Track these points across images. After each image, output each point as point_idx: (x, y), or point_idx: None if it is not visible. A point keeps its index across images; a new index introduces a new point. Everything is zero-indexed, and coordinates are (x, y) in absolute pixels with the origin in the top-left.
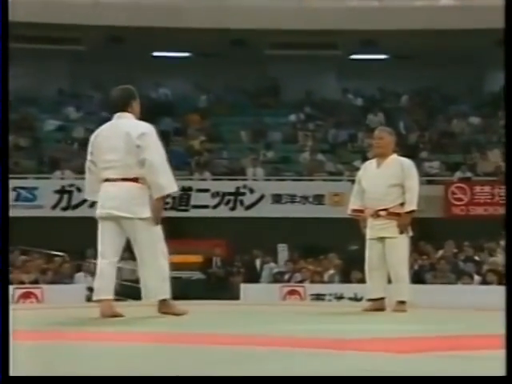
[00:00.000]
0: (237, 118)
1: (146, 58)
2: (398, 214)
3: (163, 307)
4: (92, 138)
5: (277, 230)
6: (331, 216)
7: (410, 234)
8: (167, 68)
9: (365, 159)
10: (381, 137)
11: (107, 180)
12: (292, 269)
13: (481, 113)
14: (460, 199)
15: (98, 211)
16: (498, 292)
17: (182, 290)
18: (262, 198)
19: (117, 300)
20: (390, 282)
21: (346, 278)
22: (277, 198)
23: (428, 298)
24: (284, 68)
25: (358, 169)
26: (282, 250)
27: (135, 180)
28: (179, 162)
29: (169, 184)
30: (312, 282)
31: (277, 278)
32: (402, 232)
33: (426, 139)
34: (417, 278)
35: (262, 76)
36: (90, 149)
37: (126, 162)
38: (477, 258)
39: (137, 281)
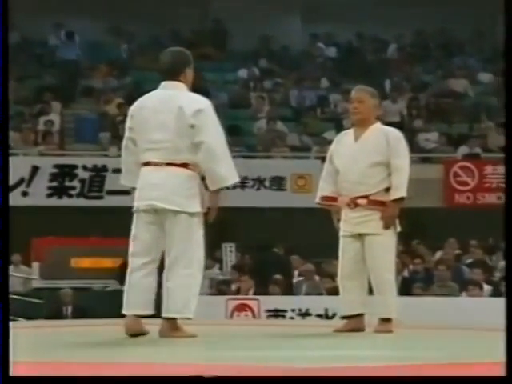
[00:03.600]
0: None
1: None
2: (382, 203)
3: (170, 330)
4: (132, 109)
5: (222, 224)
6: (294, 206)
7: (398, 229)
8: (71, 4)
9: (340, 130)
10: (360, 99)
11: (148, 164)
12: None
13: (493, 68)
14: (465, 183)
15: (136, 203)
16: None
17: (94, 304)
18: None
19: None
20: (371, 293)
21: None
22: None
23: (422, 314)
24: (231, 6)
25: (330, 142)
26: (229, 252)
27: (184, 166)
28: (89, 133)
29: (230, 173)
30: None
31: (221, 289)
32: (387, 227)
33: (421, 103)
34: (407, 288)
35: (201, 17)
36: (128, 123)
37: (175, 144)
38: (487, 261)
39: (29, 294)
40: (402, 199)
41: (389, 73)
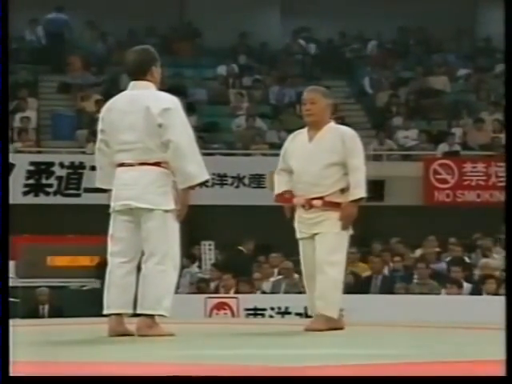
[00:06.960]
0: None
1: None
2: (337, 204)
3: (147, 327)
4: (103, 112)
5: (201, 221)
6: (274, 204)
7: (350, 231)
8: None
9: None
10: (312, 101)
11: (122, 165)
12: (221, 274)
13: (472, 64)
14: (445, 181)
15: (112, 204)
16: (495, 304)
17: (71, 303)
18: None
19: None
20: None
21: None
22: None
23: (403, 311)
24: (210, 1)
25: None
26: (208, 250)
27: (157, 164)
28: (66, 130)
29: (199, 171)
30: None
31: (200, 287)
32: (345, 227)
33: (401, 100)
34: (387, 286)
35: (178, 11)
36: (100, 125)
37: (145, 145)
38: (467, 259)
39: None
40: (360, 200)
41: (368, 69)
